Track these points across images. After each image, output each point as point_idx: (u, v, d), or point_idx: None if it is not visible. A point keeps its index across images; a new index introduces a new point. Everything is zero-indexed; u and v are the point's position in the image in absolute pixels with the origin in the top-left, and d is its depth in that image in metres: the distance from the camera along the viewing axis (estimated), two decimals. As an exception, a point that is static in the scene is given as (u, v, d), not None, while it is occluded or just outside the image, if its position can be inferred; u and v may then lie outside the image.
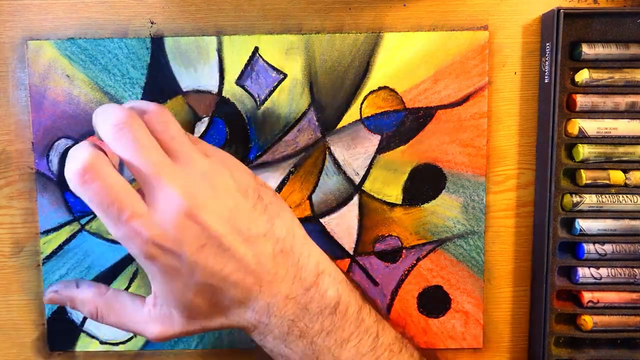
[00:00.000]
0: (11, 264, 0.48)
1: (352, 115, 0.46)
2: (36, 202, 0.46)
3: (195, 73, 0.45)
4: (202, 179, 0.34)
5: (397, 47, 0.45)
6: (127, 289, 0.47)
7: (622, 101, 0.44)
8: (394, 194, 0.46)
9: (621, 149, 0.44)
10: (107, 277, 0.47)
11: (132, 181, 0.42)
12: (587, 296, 0.45)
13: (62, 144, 0.46)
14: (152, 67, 0.45)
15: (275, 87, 0.46)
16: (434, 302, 0.47)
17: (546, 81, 0.44)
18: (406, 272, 0.47)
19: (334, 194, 0.46)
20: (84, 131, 0.46)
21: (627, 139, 0.44)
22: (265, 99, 0.46)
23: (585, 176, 0.44)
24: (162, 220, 0.32)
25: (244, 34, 0.45)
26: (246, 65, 0.45)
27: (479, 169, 0.46)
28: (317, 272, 0.38)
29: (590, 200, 0.44)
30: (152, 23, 0.46)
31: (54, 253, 0.47)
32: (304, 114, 0.46)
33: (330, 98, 0.46)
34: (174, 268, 0.33)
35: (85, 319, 0.47)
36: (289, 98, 0.46)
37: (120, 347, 0.48)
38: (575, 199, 0.44)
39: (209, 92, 0.46)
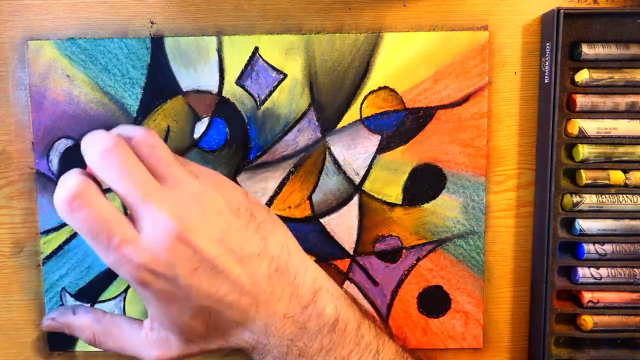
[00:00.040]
0: (11, 264, 0.48)
1: (352, 115, 0.46)
2: (36, 202, 0.46)
3: (195, 73, 0.45)
4: (191, 200, 0.34)
5: (397, 47, 0.45)
6: (127, 289, 0.47)
7: (622, 101, 0.44)
8: (394, 194, 0.46)
9: (621, 149, 0.44)
10: (106, 277, 0.47)
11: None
12: (587, 296, 0.45)
13: (62, 144, 0.46)
14: (152, 67, 0.45)
15: (275, 87, 0.46)
16: (434, 302, 0.47)
17: (546, 81, 0.44)
18: (406, 272, 0.47)
19: (334, 194, 0.46)
20: (84, 131, 0.46)
21: (627, 139, 0.44)
22: (265, 99, 0.46)
23: (585, 176, 0.44)
24: (153, 244, 0.32)
25: (244, 34, 0.45)
26: (246, 65, 0.45)
27: (479, 169, 0.46)
28: (315, 289, 0.37)
29: (590, 200, 0.44)
30: (152, 23, 0.46)
31: (54, 253, 0.47)
32: (304, 114, 0.46)
33: (330, 98, 0.46)
34: (168, 292, 0.33)
35: (85, 319, 0.47)
36: (289, 98, 0.46)
37: (120, 347, 0.48)
38: (575, 199, 0.44)
39: (209, 92, 0.46)
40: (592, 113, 0.44)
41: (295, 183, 0.46)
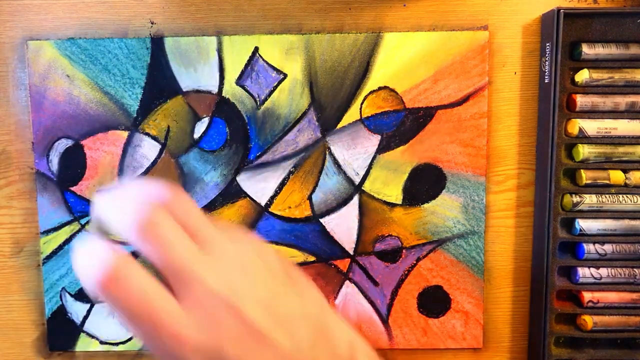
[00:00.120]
0: (11, 264, 0.48)
1: (352, 115, 0.46)
2: (36, 202, 0.46)
3: (195, 73, 0.45)
4: (233, 266, 0.33)
5: (397, 47, 0.45)
6: (127, 289, 0.47)
7: (622, 101, 0.44)
8: (394, 194, 0.46)
9: (621, 149, 0.44)
10: (107, 277, 0.47)
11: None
12: (587, 296, 0.45)
13: (62, 144, 0.46)
14: (152, 67, 0.45)
15: (275, 87, 0.45)
16: (434, 302, 0.47)
17: (546, 81, 0.44)
18: (406, 272, 0.47)
19: (334, 194, 0.46)
20: (84, 131, 0.46)
21: (627, 139, 0.44)
22: (265, 99, 0.46)
23: (585, 176, 0.44)
24: (200, 319, 0.31)
25: (244, 34, 0.45)
26: (246, 65, 0.45)
27: (479, 169, 0.46)
28: (352, 351, 0.37)
29: (590, 200, 0.44)
30: (152, 23, 0.46)
31: (54, 253, 0.47)
32: (304, 114, 0.46)
33: (330, 98, 0.46)
34: None
35: (85, 318, 0.47)
36: (289, 98, 0.46)
37: (120, 347, 0.48)
38: (575, 199, 0.44)
39: (209, 92, 0.46)
40: (592, 113, 0.44)
41: (295, 183, 0.46)
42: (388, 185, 0.46)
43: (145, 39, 0.45)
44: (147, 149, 0.46)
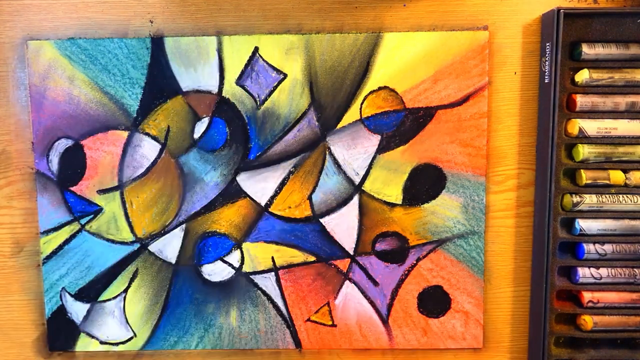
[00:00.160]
0: (11, 264, 0.48)
1: (352, 115, 0.46)
2: (36, 202, 0.46)
3: (195, 73, 0.45)
4: None
5: (397, 47, 0.45)
6: (127, 289, 0.47)
7: (622, 101, 0.44)
8: (394, 194, 0.46)
9: (621, 149, 0.44)
10: (107, 277, 0.47)
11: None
12: (587, 296, 0.45)
13: (62, 144, 0.46)
14: (152, 67, 0.45)
15: (275, 87, 0.46)
16: (434, 302, 0.47)
17: (546, 81, 0.44)
18: (406, 272, 0.47)
19: (334, 194, 0.46)
20: (84, 131, 0.46)
21: (627, 139, 0.44)
22: (265, 99, 0.46)
23: (585, 176, 0.44)
24: None
25: (244, 34, 0.45)
26: (246, 65, 0.45)
27: (479, 169, 0.46)
28: None
29: (590, 200, 0.44)
30: (152, 23, 0.46)
31: (54, 253, 0.47)
32: (304, 114, 0.46)
33: (330, 98, 0.46)
34: None
35: (85, 318, 0.47)
36: (289, 98, 0.46)
37: (120, 347, 0.48)
38: (575, 199, 0.44)
39: (209, 92, 0.46)
40: (592, 113, 0.44)
41: (295, 183, 0.46)
42: (388, 185, 0.46)
43: (145, 39, 0.45)
44: (147, 149, 0.46)
